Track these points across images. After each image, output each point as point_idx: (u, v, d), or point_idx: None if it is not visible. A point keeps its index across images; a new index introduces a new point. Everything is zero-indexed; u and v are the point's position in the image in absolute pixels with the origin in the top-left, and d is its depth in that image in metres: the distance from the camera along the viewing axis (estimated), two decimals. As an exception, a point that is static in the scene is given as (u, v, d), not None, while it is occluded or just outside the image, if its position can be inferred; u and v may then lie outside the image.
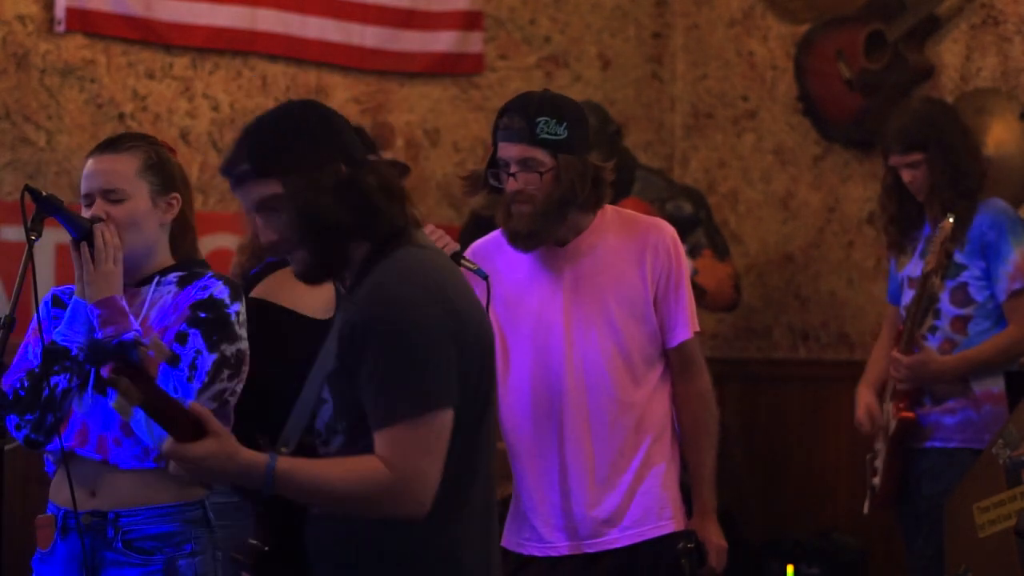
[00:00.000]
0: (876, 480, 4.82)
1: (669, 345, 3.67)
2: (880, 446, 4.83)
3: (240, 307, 3.38)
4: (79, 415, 3.38)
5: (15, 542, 3.62)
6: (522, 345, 3.65)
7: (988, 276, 4.70)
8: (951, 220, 4.50)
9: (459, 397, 2.65)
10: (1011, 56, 5.74)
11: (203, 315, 3.33)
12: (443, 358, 2.62)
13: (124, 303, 3.32)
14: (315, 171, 2.65)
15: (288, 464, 2.60)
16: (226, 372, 3.32)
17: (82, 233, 3.35)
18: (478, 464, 2.74)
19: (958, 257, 4.66)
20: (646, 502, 3.64)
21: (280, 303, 3.69)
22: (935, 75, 5.94)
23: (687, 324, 3.67)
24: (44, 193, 3.32)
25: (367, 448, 2.63)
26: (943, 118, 4.89)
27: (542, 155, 3.51)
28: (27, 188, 3.31)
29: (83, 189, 3.47)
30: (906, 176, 4.80)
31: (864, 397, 4.93)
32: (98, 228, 3.35)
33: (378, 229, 2.70)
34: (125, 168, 3.43)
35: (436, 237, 3.45)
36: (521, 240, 3.60)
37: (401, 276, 2.65)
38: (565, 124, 3.51)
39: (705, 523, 3.72)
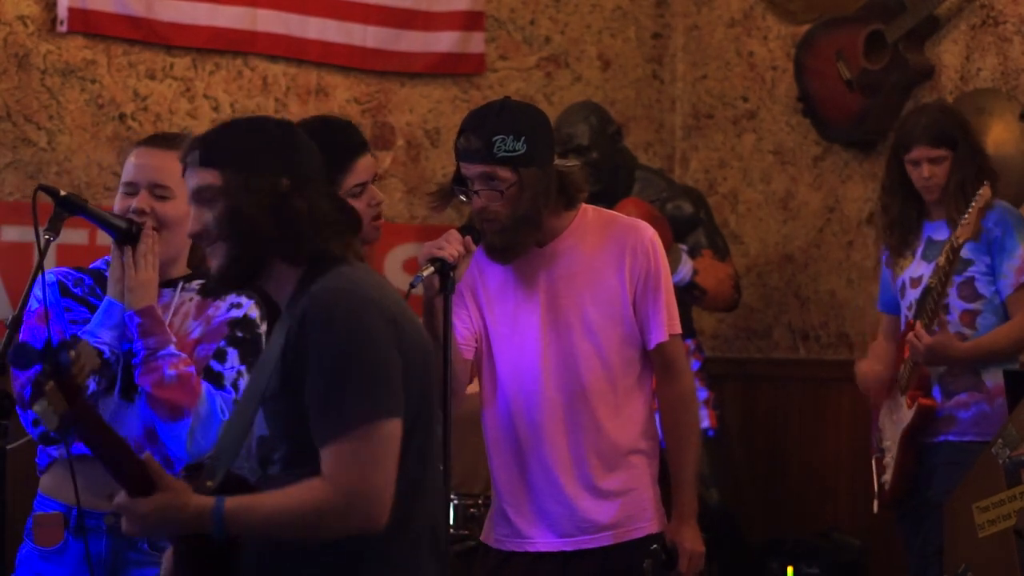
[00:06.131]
0: (886, 478, 4.82)
1: (648, 347, 3.65)
2: (888, 444, 4.83)
3: (265, 327, 3.44)
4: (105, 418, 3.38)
5: (19, 540, 3.62)
6: (501, 346, 3.66)
7: (993, 272, 4.73)
8: (988, 186, 4.57)
9: (407, 407, 2.57)
10: (1011, 56, 5.75)
11: (240, 335, 3.40)
12: (388, 366, 2.54)
13: (160, 313, 3.35)
14: (254, 173, 2.64)
15: (234, 504, 2.52)
16: None
17: (121, 234, 3.35)
18: (424, 478, 2.66)
19: (965, 252, 4.67)
20: (627, 503, 3.63)
21: None
22: (935, 75, 5.94)
23: (665, 326, 3.64)
24: (62, 193, 3.29)
25: (306, 476, 2.53)
26: (967, 122, 4.98)
27: (503, 172, 3.49)
28: (42, 187, 3.27)
29: (128, 177, 3.44)
30: (924, 171, 4.80)
31: (862, 366, 5.00)
32: (146, 231, 3.35)
33: (298, 250, 2.65)
34: (176, 167, 3.38)
35: (447, 241, 3.47)
36: (498, 254, 3.61)
37: (339, 289, 2.58)
38: (523, 138, 3.48)
39: (682, 527, 3.67)
